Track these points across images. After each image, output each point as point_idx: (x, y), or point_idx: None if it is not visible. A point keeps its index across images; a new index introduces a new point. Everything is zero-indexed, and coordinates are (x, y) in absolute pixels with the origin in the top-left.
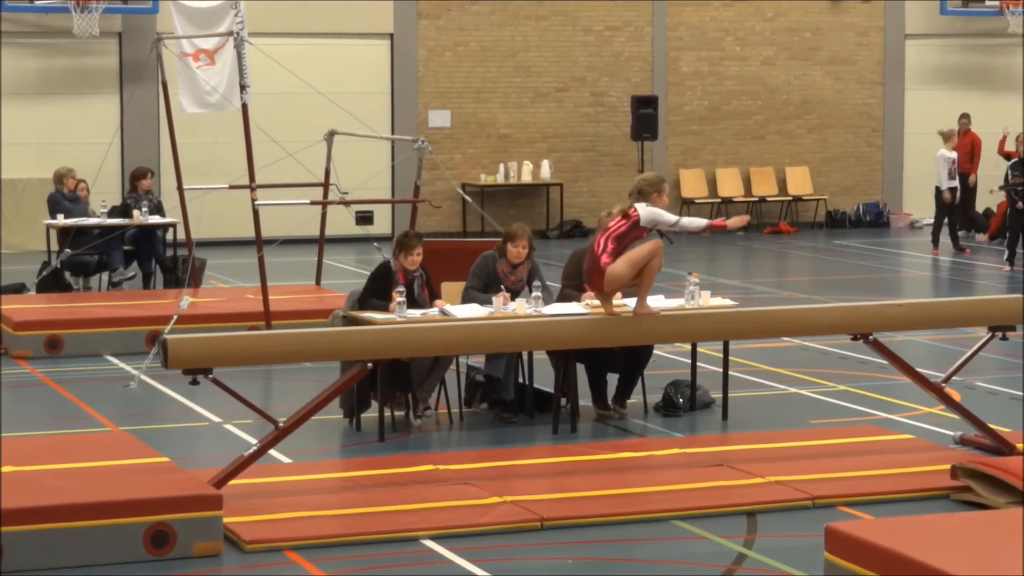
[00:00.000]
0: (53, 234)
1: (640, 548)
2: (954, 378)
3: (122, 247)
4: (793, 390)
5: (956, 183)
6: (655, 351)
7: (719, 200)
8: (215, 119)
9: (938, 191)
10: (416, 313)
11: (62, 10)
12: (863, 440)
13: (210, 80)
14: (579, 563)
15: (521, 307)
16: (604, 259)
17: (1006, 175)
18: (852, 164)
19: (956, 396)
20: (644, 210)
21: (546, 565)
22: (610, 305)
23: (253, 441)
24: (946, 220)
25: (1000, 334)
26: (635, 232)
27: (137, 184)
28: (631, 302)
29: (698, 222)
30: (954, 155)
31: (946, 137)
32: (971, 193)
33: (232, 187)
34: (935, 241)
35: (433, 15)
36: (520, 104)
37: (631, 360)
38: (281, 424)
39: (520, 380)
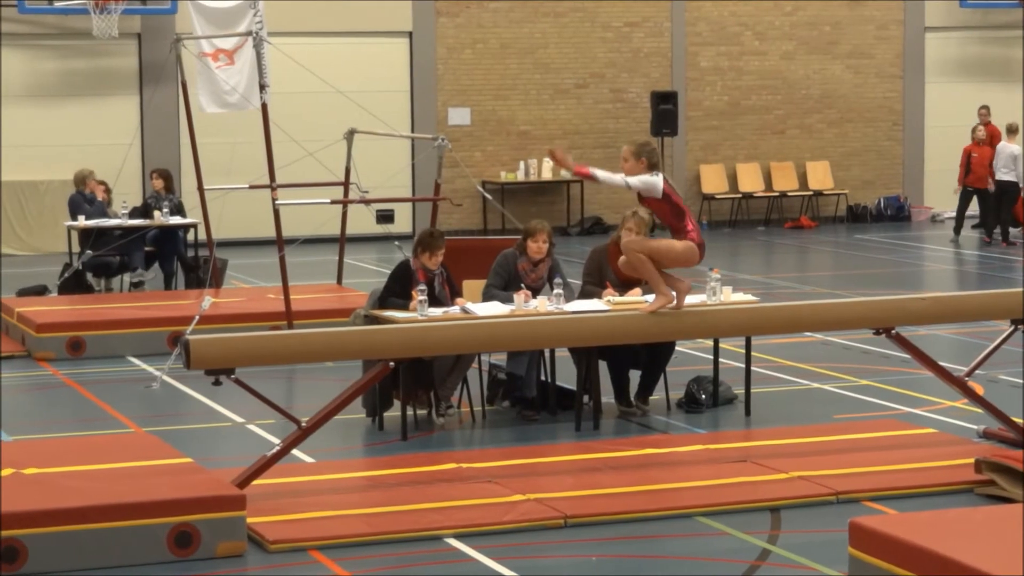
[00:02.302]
0: (75, 235)
1: (664, 544)
2: (977, 372)
3: (143, 248)
4: (816, 385)
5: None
6: (677, 347)
7: (740, 196)
8: (235, 119)
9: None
10: (438, 311)
11: (81, 11)
12: (886, 435)
13: (229, 80)
14: (603, 560)
15: (542, 304)
16: None
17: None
18: (872, 158)
19: (979, 390)
20: None
21: (570, 563)
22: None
23: (276, 441)
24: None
25: (1023, 327)
26: None
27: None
28: (650, 297)
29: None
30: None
31: (1012, 130)
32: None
33: (252, 187)
34: None
35: (452, 13)
36: (540, 101)
37: (653, 356)
38: (304, 424)
39: (542, 378)
